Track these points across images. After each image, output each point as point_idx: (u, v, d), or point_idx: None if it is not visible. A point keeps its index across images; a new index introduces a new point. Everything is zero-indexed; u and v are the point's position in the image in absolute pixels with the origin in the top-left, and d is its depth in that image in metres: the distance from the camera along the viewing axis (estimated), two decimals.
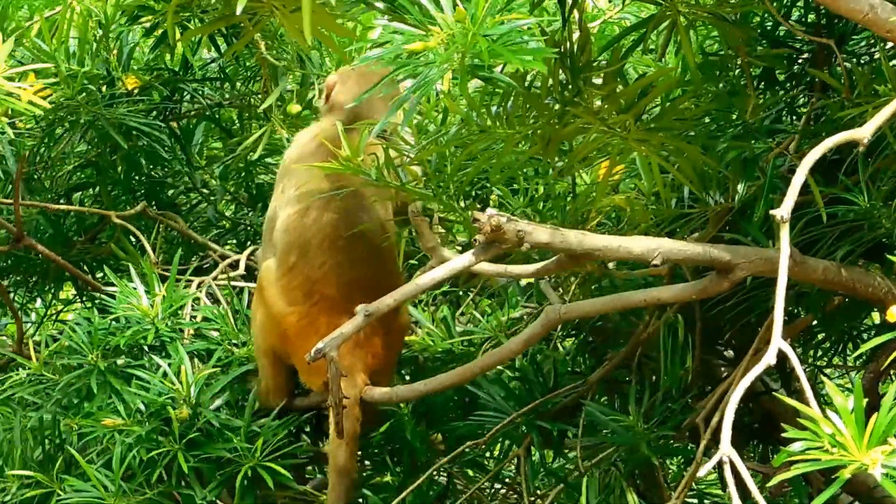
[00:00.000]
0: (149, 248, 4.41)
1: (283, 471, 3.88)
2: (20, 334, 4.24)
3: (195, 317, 4.17)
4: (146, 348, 4.02)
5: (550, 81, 3.14)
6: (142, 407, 3.91)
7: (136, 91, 4.42)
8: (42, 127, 4.34)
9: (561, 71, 3.19)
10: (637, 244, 3.20)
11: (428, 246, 3.44)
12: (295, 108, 4.49)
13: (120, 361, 4.01)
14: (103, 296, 4.12)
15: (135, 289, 4.05)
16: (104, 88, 4.34)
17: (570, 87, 3.18)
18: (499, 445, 4.27)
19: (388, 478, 4.08)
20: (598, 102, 3.18)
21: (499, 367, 4.04)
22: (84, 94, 4.27)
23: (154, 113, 4.47)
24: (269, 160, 4.73)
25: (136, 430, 3.88)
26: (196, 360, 4.04)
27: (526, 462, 4.00)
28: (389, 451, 4.16)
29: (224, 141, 4.79)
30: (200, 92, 4.59)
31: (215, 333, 4.15)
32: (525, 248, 3.12)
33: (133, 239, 4.54)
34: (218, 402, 3.98)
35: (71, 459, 3.96)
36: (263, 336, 4.02)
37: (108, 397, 3.93)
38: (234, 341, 4.12)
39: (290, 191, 3.98)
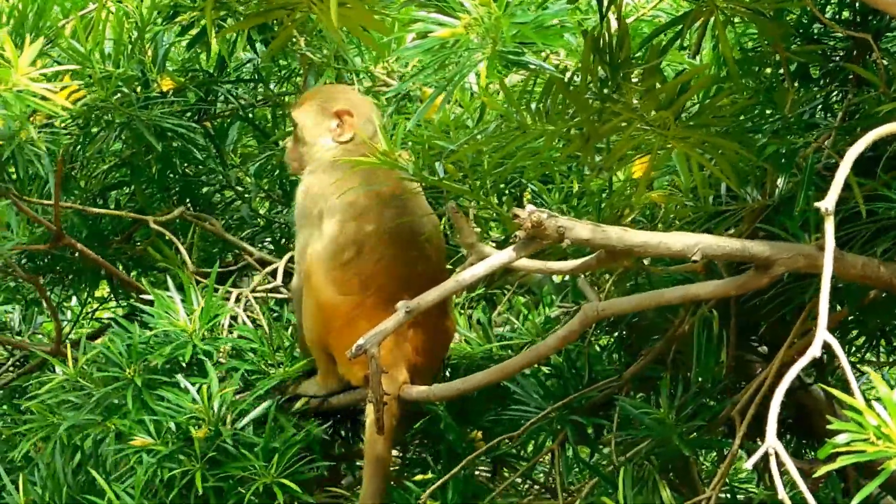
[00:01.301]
0: (187, 257, 4.42)
1: (295, 487, 3.91)
2: (59, 333, 4.24)
3: (234, 328, 4.20)
4: (182, 364, 4.05)
5: (589, 77, 3.15)
6: (171, 426, 3.96)
7: (170, 93, 4.44)
8: (79, 124, 4.35)
9: (599, 67, 3.20)
10: (677, 240, 3.20)
11: (467, 242, 3.43)
12: None
13: (156, 378, 4.03)
14: (141, 306, 4.13)
15: (172, 300, 4.08)
16: (139, 90, 4.36)
17: (609, 83, 3.19)
18: (532, 442, 4.28)
19: (428, 475, 4.09)
20: (637, 100, 3.18)
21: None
22: (118, 95, 4.28)
23: (188, 114, 4.47)
24: None
25: (162, 449, 3.94)
26: (230, 375, 4.09)
27: (560, 457, 4.02)
28: (429, 447, 4.17)
29: (259, 139, 4.80)
30: (234, 93, 4.60)
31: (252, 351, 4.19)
32: (565, 244, 3.13)
33: (170, 239, 4.55)
34: (245, 420, 4.01)
35: (101, 469, 4.02)
36: (312, 325, 4.07)
37: (141, 413, 3.97)
38: (269, 362, 4.15)
39: (332, 201, 4.04)
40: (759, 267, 3.27)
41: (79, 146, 4.44)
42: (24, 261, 4.61)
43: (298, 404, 4.12)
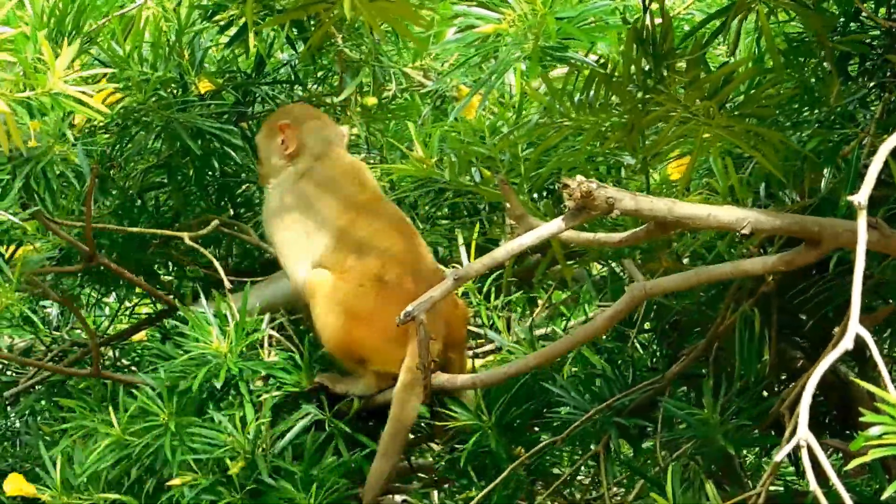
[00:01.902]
0: (222, 274, 4.41)
1: None
2: (97, 357, 4.23)
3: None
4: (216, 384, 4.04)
5: (633, 69, 3.13)
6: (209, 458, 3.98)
7: (208, 95, 4.44)
8: (117, 124, 4.34)
9: (643, 60, 3.18)
10: (726, 213, 3.19)
11: (516, 214, 3.42)
12: (372, 100, 4.51)
13: (190, 414, 4.04)
14: (176, 324, 4.14)
15: (206, 319, 4.07)
16: (177, 92, 4.36)
17: (652, 74, 3.17)
18: (570, 449, 4.25)
19: (473, 492, 4.06)
20: (681, 90, 3.17)
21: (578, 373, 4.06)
22: (156, 98, 4.28)
23: (226, 116, 4.47)
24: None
25: (202, 482, 3.95)
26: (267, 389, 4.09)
27: (605, 459, 3.99)
28: (475, 466, 4.13)
29: None
30: (272, 95, 4.60)
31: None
32: (614, 214, 3.12)
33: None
34: (282, 442, 4.02)
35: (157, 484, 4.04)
36: (334, 333, 4.08)
37: (178, 455, 3.97)
38: (303, 385, 4.14)
39: (314, 213, 4.16)
40: (808, 243, 3.25)
41: (117, 147, 4.42)
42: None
43: (354, 408, 4.10)
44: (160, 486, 4.00)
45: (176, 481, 3.95)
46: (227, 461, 3.94)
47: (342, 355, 4.11)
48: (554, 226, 3.23)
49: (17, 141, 3.43)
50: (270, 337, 4.19)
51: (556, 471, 4.24)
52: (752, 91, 3.26)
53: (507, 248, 3.32)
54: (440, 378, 3.97)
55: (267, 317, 4.15)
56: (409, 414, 4.01)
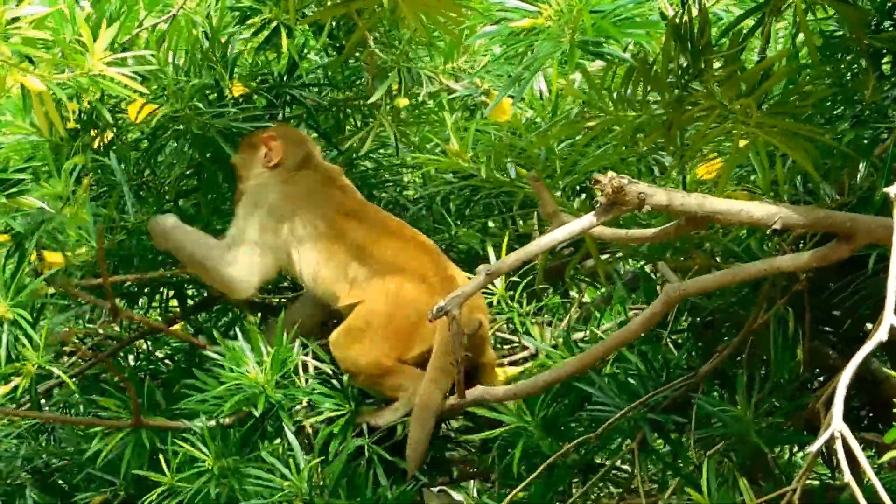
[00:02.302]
0: (249, 312, 4.45)
1: None
2: (136, 406, 4.22)
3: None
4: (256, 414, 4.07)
5: (671, 65, 3.14)
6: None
7: (241, 99, 4.46)
8: (151, 129, 4.36)
9: (681, 56, 3.18)
10: (758, 208, 3.19)
11: (548, 210, 3.42)
12: (403, 102, 4.52)
13: (234, 451, 4.07)
14: (211, 354, 4.16)
15: (242, 351, 4.09)
16: (212, 98, 4.38)
17: (690, 70, 3.17)
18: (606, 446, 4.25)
19: (521, 493, 4.06)
20: (718, 86, 3.17)
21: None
22: (192, 107, 4.30)
23: (257, 119, 4.49)
24: (372, 155, 4.81)
25: None
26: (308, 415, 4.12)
27: (640, 456, 3.99)
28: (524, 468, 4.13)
29: (326, 140, 4.82)
30: (302, 97, 4.61)
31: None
32: (645, 209, 3.12)
33: None
34: (333, 477, 4.04)
35: None
36: (383, 353, 4.15)
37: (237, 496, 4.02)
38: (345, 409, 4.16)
39: (300, 231, 4.27)
40: (841, 238, 3.24)
41: (150, 154, 4.45)
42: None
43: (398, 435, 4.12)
44: None
45: None
46: None
47: (390, 376, 4.17)
48: (585, 221, 3.24)
49: (55, 121, 3.43)
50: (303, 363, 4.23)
51: (598, 460, 4.24)
52: (791, 87, 3.25)
53: (539, 243, 3.32)
54: (478, 391, 3.98)
55: (298, 343, 4.18)
56: (435, 399, 4.07)
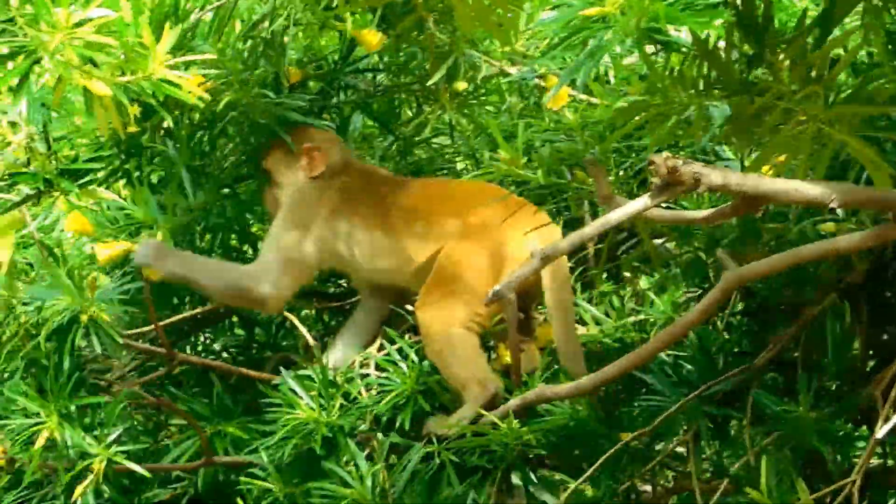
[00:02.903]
0: (308, 337, 4.46)
1: None
2: (205, 442, 4.24)
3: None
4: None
5: (735, 54, 3.10)
6: None
7: (297, 86, 4.46)
8: (210, 114, 4.38)
9: (746, 45, 3.15)
10: (812, 187, 3.15)
11: (603, 194, 3.41)
12: (462, 85, 4.51)
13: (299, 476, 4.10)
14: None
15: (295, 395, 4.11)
16: (272, 86, 4.38)
17: (755, 59, 3.13)
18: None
19: (589, 489, 4.06)
20: (784, 74, 3.11)
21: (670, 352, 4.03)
22: (255, 95, 4.31)
23: (312, 105, 4.49)
24: (434, 141, 4.80)
25: None
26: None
27: (694, 449, 3.97)
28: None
29: (378, 129, 4.81)
30: (355, 83, 4.61)
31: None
32: (701, 190, 3.11)
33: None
34: (401, 483, 4.03)
35: None
36: (476, 298, 4.00)
37: None
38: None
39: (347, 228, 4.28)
40: None
41: (207, 139, 4.46)
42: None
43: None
44: None
45: None
46: None
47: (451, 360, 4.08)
48: (640, 203, 3.24)
49: (116, 125, 3.45)
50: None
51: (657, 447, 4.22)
52: (862, 78, 3.18)
53: (594, 226, 3.33)
54: (541, 389, 3.94)
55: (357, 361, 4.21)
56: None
